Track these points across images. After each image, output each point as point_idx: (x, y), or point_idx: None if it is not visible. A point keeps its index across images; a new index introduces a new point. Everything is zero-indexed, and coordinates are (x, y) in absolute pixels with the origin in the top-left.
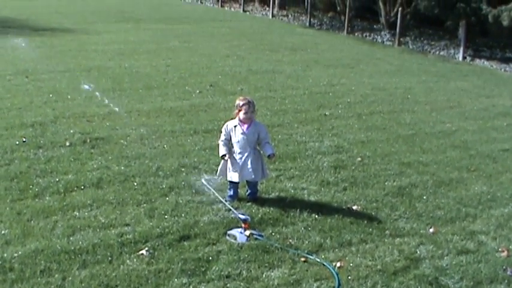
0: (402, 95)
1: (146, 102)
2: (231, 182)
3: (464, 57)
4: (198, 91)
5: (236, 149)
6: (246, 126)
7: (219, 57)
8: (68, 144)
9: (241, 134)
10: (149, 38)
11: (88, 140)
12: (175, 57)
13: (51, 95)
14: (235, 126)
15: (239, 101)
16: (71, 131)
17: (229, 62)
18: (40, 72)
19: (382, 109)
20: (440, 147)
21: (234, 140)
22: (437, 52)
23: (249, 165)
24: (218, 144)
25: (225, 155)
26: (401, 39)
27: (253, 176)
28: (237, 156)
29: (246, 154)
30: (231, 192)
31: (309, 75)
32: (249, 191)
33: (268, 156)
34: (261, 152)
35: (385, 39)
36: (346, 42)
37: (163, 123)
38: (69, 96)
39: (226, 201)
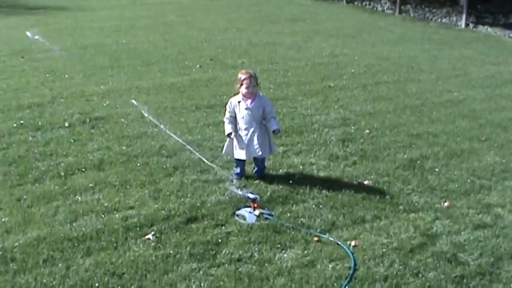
0: (407, 64)
1: (145, 78)
2: (237, 159)
3: (467, 24)
4: (198, 66)
5: (241, 125)
6: (249, 101)
7: (218, 31)
8: (67, 125)
9: (246, 109)
10: (145, 13)
11: (88, 120)
12: (173, 31)
13: (48, 75)
14: (239, 102)
15: (241, 75)
16: (70, 111)
17: (229, 35)
18: (36, 52)
19: (387, 79)
20: (449, 117)
21: (238, 116)
22: (439, 19)
23: (256, 142)
24: (223, 122)
25: (230, 133)
26: (402, 7)
27: (260, 153)
28: (243, 133)
29: (251, 130)
30: (238, 170)
31: (310, 46)
32: (256, 168)
33: (273, 132)
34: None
35: (385, 8)
36: (346, 12)
37: (164, 100)
38: (66, 76)
39: (232, 180)
